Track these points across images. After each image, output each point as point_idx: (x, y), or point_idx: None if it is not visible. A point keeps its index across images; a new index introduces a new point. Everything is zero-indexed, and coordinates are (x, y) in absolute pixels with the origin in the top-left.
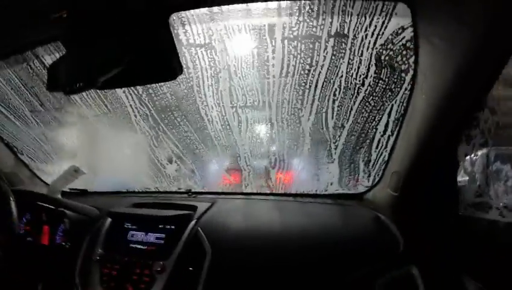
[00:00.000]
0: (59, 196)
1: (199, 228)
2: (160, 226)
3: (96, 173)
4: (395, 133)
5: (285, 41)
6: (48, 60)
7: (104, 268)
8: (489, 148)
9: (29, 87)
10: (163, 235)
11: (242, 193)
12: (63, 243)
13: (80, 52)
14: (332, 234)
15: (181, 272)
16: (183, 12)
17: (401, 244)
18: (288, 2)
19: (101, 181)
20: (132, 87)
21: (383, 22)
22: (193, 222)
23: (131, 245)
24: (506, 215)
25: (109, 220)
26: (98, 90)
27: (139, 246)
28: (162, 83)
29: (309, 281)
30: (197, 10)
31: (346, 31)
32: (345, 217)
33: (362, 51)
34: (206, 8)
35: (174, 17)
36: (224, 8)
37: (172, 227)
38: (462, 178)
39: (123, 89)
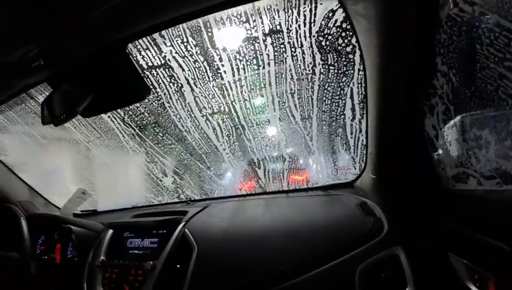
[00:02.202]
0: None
1: (186, 229)
2: (154, 231)
3: (103, 193)
4: (364, 115)
5: (227, 48)
6: (41, 98)
7: (106, 273)
8: (462, 116)
9: (30, 124)
10: (156, 240)
11: (236, 196)
12: (73, 257)
13: (60, 89)
14: (318, 223)
15: (170, 269)
16: (137, 41)
17: (385, 227)
18: (216, 14)
19: (111, 201)
20: (114, 112)
21: (311, 10)
22: (181, 225)
23: (130, 251)
24: (484, 184)
25: (110, 231)
26: (87, 119)
27: (136, 251)
28: (138, 104)
29: (291, 269)
30: (148, 37)
31: (278, 27)
32: (333, 207)
33: (301, 42)
34: (156, 34)
35: (130, 46)
36: (170, 30)
37: (164, 231)
38: (439, 151)
39: (107, 114)
